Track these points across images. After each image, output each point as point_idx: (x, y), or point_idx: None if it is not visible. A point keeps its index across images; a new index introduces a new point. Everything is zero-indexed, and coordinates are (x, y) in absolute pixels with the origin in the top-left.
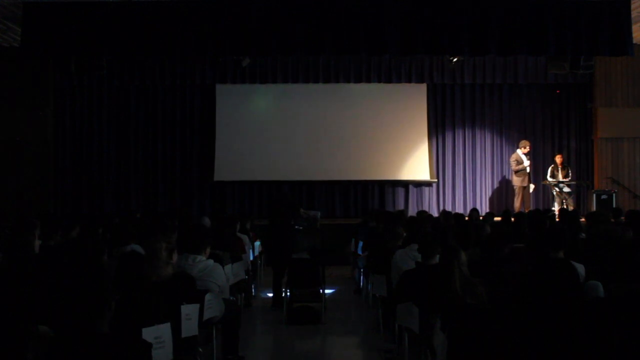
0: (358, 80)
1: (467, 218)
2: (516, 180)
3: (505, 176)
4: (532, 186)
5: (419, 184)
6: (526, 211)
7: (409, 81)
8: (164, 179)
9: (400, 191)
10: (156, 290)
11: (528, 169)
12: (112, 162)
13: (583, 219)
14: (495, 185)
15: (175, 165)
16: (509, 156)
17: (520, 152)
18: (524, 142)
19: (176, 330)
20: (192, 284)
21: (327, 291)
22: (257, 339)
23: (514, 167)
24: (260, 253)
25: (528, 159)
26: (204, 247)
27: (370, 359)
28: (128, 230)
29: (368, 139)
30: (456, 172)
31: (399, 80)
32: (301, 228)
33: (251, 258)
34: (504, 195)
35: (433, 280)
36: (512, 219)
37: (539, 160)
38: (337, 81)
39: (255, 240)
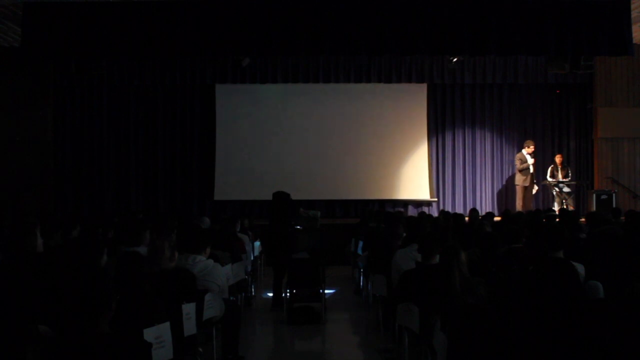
0: (358, 80)
1: (467, 218)
2: (518, 180)
3: (505, 176)
4: (535, 188)
5: (419, 204)
6: (524, 210)
7: (409, 81)
8: (164, 179)
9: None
10: (157, 283)
11: (531, 169)
12: (112, 162)
13: (583, 219)
14: (495, 185)
15: (175, 164)
16: (509, 156)
17: (524, 152)
18: (528, 142)
19: (176, 329)
20: (192, 279)
21: (327, 291)
22: (257, 339)
23: (518, 165)
24: (260, 253)
25: (532, 159)
26: (204, 247)
27: (370, 359)
28: (135, 231)
29: (368, 139)
30: (456, 171)
31: (399, 80)
32: (301, 228)
33: (251, 258)
34: (504, 195)
35: (433, 280)
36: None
37: (539, 160)
38: (337, 81)
39: (254, 240)
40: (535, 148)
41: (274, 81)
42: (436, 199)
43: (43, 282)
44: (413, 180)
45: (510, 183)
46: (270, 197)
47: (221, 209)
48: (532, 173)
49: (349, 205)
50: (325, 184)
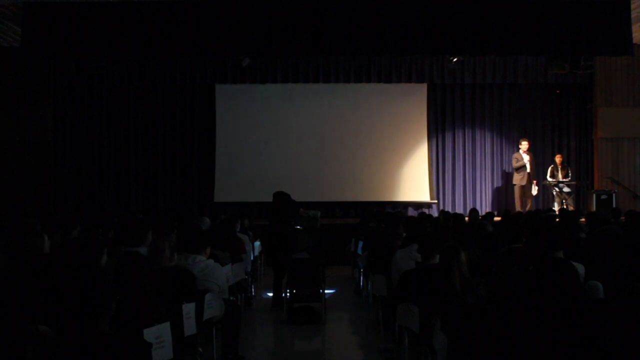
0: (358, 80)
1: (467, 218)
2: (515, 179)
3: (505, 176)
4: (535, 188)
5: (419, 206)
6: (525, 210)
7: (409, 81)
8: (164, 179)
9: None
10: (157, 283)
11: (528, 168)
12: (112, 162)
13: (583, 219)
14: (495, 185)
15: (175, 164)
16: (509, 156)
17: (520, 151)
18: (521, 140)
19: (176, 329)
20: (192, 279)
21: (327, 291)
22: (257, 339)
23: (513, 164)
24: (260, 253)
25: (528, 157)
26: (204, 247)
27: (370, 359)
28: (135, 231)
29: (368, 139)
30: (456, 172)
31: (399, 80)
32: (301, 228)
33: (251, 258)
34: (504, 195)
35: (433, 280)
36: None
37: (539, 160)
38: (337, 81)
39: (254, 240)
40: (529, 144)
41: (274, 81)
42: (436, 201)
43: (44, 282)
44: (413, 181)
45: (510, 183)
46: (270, 199)
47: (221, 211)
48: (528, 172)
49: (348, 208)
50: (325, 186)
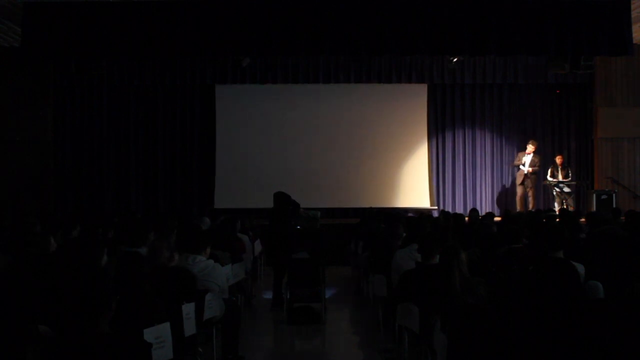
0: (358, 80)
1: (467, 218)
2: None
3: (505, 176)
4: (521, 173)
5: (419, 212)
6: (523, 210)
7: (409, 81)
8: (164, 179)
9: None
10: (157, 283)
11: (525, 169)
12: (112, 162)
13: (583, 219)
14: (496, 186)
15: (175, 165)
16: (509, 156)
17: (526, 152)
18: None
19: (176, 329)
20: (192, 279)
21: (327, 291)
22: (257, 339)
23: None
24: (260, 253)
25: (530, 158)
26: (204, 247)
27: (370, 359)
28: (135, 231)
29: (368, 140)
30: (456, 172)
31: (399, 80)
32: (301, 228)
33: (251, 258)
34: (504, 195)
35: (433, 280)
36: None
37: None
38: (337, 81)
39: (254, 240)
40: (534, 147)
41: (274, 81)
42: (436, 207)
43: (44, 282)
44: (413, 185)
45: (510, 183)
46: (269, 204)
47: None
48: (526, 173)
49: (347, 213)
50: (325, 189)
